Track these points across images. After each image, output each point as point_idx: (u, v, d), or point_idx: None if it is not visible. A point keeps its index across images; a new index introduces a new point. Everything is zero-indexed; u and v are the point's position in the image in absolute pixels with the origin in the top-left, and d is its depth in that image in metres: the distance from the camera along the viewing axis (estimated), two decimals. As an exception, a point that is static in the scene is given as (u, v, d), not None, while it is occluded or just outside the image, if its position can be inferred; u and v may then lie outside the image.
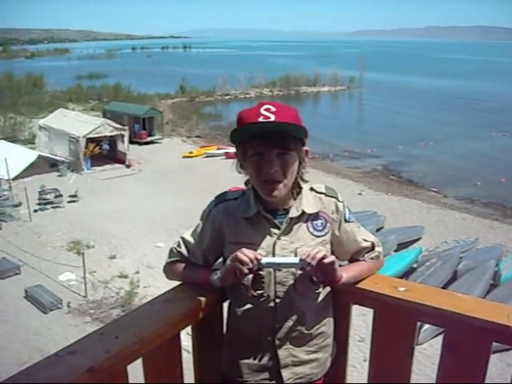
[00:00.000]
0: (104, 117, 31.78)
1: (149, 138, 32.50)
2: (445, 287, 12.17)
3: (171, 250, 2.01)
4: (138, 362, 1.67)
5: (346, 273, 1.87)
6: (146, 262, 15.15)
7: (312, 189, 1.90)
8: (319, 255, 1.69)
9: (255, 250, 1.78)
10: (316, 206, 1.87)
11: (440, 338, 1.93)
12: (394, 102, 53.70)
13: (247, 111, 1.75)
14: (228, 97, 57.55)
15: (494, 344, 1.74)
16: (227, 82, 59.45)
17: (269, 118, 1.67)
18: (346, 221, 1.93)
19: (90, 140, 26.12)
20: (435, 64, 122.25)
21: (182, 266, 1.97)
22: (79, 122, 27.40)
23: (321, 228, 1.87)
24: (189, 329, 1.90)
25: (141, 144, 31.29)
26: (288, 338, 1.88)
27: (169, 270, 2.01)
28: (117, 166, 26.70)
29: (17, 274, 14.34)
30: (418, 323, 1.92)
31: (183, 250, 1.97)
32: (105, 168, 26.27)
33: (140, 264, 15.02)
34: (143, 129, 32.54)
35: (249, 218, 1.83)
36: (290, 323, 1.87)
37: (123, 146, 27.36)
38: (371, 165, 28.75)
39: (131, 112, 33.07)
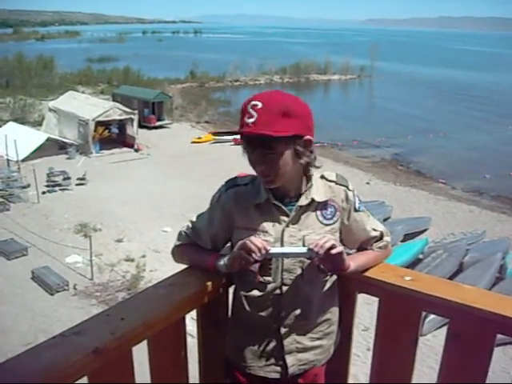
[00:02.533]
0: (113, 100, 31.84)
1: (158, 123, 32.48)
2: (450, 279, 12.14)
3: (180, 234, 2.01)
4: (143, 345, 1.68)
5: (354, 262, 1.87)
6: (153, 246, 15.21)
7: (323, 176, 1.88)
8: (327, 245, 1.68)
9: (263, 236, 1.78)
10: (325, 195, 1.85)
11: (444, 330, 1.93)
12: (404, 92, 53.43)
13: (244, 104, 1.74)
14: (238, 83, 57.39)
15: (499, 336, 1.74)
16: (237, 67, 59.29)
17: (252, 116, 1.65)
18: (356, 210, 1.91)
19: (99, 123, 26.14)
20: (447, 55, 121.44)
21: (189, 249, 1.97)
22: (89, 105, 27.42)
23: (330, 216, 1.86)
24: (193, 313, 1.91)
25: (150, 128, 31.29)
26: (294, 325, 1.88)
27: (176, 253, 2.02)
28: (125, 149, 26.74)
29: (24, 255, 14.44)
30: (423, 313, 1.92)
31: (192, 233, 1.97)
32: (113, 151, 26.31)
33: (146, 248, 15.08)
34: (152, 113, 32.51)
35: (258, 205, 1.82)
36: (296, 311, 1.87)
37: (132, 130, 27.37)
38: (380, 154, 28.66)
39: (141, 96, 33.05)
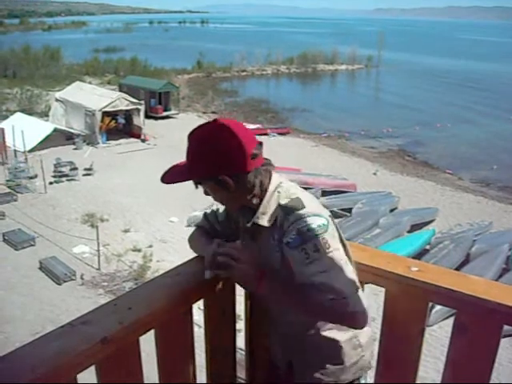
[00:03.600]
0: (120, 91, 31.78)
1: (164, 113, 32.49)
2: (457, 270, 12.12)
3: (202, 218, 2.07)
4: (150, 335, 1.69)
5: (272, 288, 1.69)
6: (160, 236, 15.25)
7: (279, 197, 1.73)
8: (219, 250, 1.70)
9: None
10: (271, 218, 1.71)
11: (450, 321, 1.93)
12: (411, 82, 53.17)
13: None
14: (245, 73, 57.27)
15: (505, 327, 1.74)
16: (244, 58, 59.12)
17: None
18: (286, 243, 1.64)
19: (105, 114, 26.16)
20: (455, 45, 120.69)
21: (203, 231, 2.01)
22: (95, 96, 27.43)
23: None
24: (201, 303, 1.91)
25: (156, 119, 31.30)
26: (284, 329, 1.93)
27: (191, 236, 2.05)
28: (132, 140, 26.75)
29: (32, 245, 14.51)
30: (430, 304, 1.92)
31: (212, 218, 2.02)
32: (120, 142, 26.34)
33: (153, 238, 15.12)
34: (159, 103, 32.52)
35: None
36: (282, 315, 1.91)
37: (139, 121, 27.38)
38: (387, 145, 28.58)
39: (147, 86, 33.03)
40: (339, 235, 1.71)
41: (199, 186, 1.76)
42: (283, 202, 1.68)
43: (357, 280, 1.66)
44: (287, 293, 1.68)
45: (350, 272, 1.64)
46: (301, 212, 1.62)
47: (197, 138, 1.69)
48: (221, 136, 1.66)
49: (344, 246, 1.72)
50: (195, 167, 1.69)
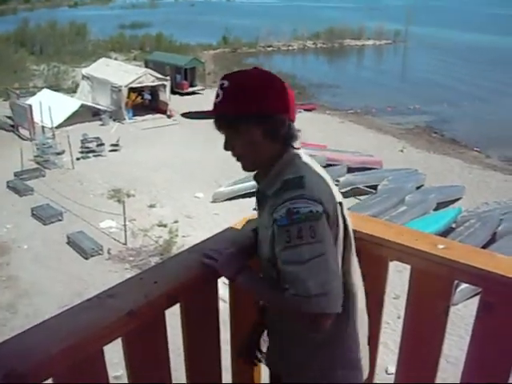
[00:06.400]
0: (146, 67, 31.81)
1: (190, 89, 32.36)
2: (483, 248, 12.01)
3: None
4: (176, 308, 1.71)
5: (245, 281, 1.73)
6: (185, 211, 15.32)
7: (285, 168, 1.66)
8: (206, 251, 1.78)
9: None
10: (275, 189, 1.62)
11: (475, 300, 1.91)
12: (440, 58, 52.13)
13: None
14: (271, 48, 56.72)
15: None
16: (270, 33, 58.50)
17: (218, 96, 1.61)
18: (274, 220, 1.54)
19: (131, 90, 26.24)
20: (488, 20, 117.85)
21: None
22: (121, 72, 27.48)
23: None
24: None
25: (182, 94, 31.22)
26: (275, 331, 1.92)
27: None
28: (158, 116, 26.77)
29: (59, 220, 14.71)
30: (455, 282, 1.90)
31: None
32: (146, 118, 26.40)
33: (179, 213, 15.20)
34: (185, 79, 32.42)
35: None
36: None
37: (165, 96, 27.40)
38: (414, 121, 28.16)
39: (173, 62, 32.95)
40: (338, 233, 1.60)
41: (221, 131, 1.65)
42: (286, 176, 1.58)
43: (336, 279, 1.53)
44: (259, 286, 1.74)
45: (328, 270, 1.51)
46: (297, 193, 1.51)
47: (237, 75, 1.65)
48: (265, 74, 1.68)
49: (345, 246, 1.65)
50: (232, 98, 1.59)
